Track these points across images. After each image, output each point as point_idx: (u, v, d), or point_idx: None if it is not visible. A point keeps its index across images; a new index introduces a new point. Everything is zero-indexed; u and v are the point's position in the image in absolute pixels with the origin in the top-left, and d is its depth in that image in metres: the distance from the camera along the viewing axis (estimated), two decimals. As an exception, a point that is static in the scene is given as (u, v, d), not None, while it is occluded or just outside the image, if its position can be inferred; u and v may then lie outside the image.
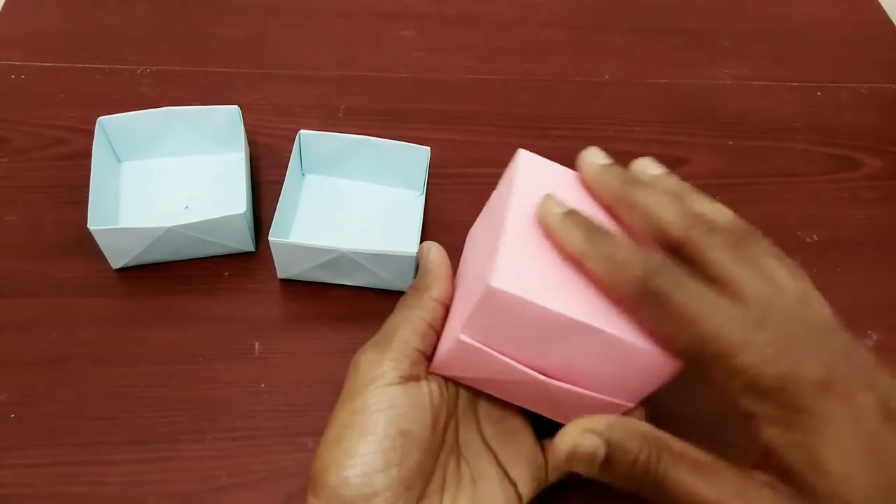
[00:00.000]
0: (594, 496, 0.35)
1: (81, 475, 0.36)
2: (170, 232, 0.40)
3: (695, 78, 0.59)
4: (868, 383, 0.23)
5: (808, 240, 0.49)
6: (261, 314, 0.43)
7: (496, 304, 0.25)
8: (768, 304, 0.24)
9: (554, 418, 0.30)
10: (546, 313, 0.25)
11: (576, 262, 0.26)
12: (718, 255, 0.25)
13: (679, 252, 0.26)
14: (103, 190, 0.44)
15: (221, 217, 0.41)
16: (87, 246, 0.42)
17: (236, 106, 0.46)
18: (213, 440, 0.38)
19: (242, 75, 0.55)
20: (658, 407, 0.32)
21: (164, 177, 0.47)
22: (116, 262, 0.43)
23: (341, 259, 0.40)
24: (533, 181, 0.29)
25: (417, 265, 0.32)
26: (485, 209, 0.33)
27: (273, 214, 0.41)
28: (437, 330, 0.30)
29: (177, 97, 0.52)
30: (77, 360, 0.40)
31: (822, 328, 0.24)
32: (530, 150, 0.31)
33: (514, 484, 0.30)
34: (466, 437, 0.31)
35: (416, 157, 0.46)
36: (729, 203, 0.53)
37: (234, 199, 0.45)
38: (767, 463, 0.23)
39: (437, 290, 0.30)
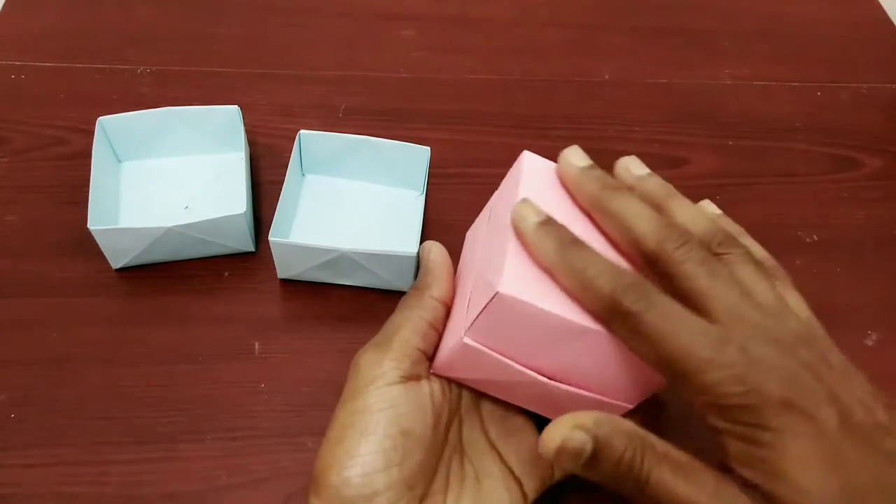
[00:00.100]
0: (597, 495, 0.35)
1: (81, 475, 0.36)
2: (170, 232, 0.40)
3: (695, 78, 0.59)
4: (832, 397, 0.23)
5: (808, 240, 0.49)
6: (261, 314, 0.42)
7: (503, 309, 0.25)
8: (737, 319, 0.24)
9: (552, 419, 0.30)
10: (551, 318, 0.25)
11: (549, 273, 0.26)
12: (690, 269, 0.25)
13: (652, 264, 0.26)
14: (103, 190, 0.44)
15: (221, 217, 0.41)
16: (87, 246, 0.42)
17: (236, 106, 0.46)
18: (213, 440, 0.38)
19: (242, 75, 0.55)
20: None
21: (164, 177, 0.47)
22: (116, 262, 0.43)
23: (341, 259, 0.40)
24: (537, 183, 0.29)
25: (418, 265, 0.32)
26: (485, 209, 0.33)
27: (273, 214, 0.41)
28: (439, 329, 0.30)
29: (177, 97, 0.52)
30: (77, 360, 0.40)
31: (791, 341, 0.24)
32: (530, 150, 0.31)
33: (518, 482, 0.30)
34: (470, 435, 0.31)
35: (416, 157, 0.46)
36: (729, 203, 0.53)
37: (234, 199, 0.45)
38: (734, 474, 0.24)
39: (437, 289, 0.30)
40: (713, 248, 0.27)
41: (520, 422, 0.32)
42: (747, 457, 0.23)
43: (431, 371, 0.30)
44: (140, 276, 0.43)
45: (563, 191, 0.29)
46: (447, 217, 0.47)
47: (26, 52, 0.54)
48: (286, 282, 0.44)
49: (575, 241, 0.26)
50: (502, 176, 0.32)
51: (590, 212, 0.28)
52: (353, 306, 0.43)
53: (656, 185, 0.29)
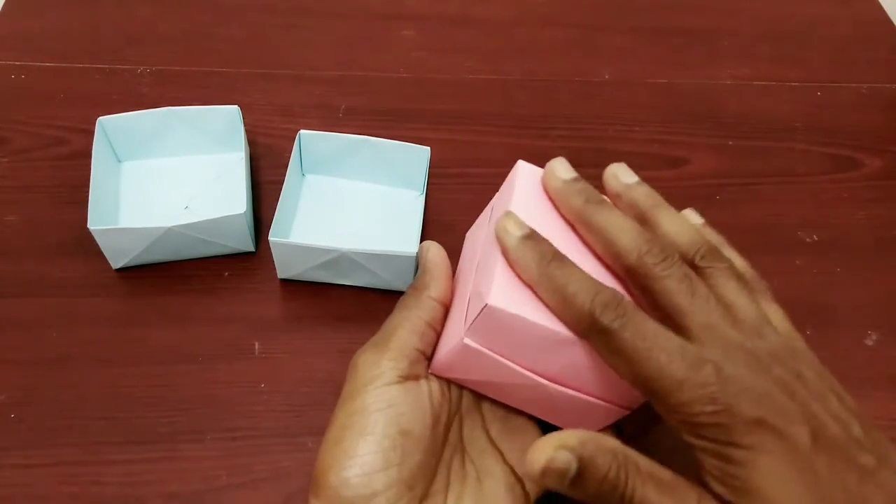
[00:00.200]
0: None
1: (81, 475, 0.36)
2: (170, 232, 0.40)
3: (695, 78, 0.59)
4: (805, 414, 0.23)
5: (808, 240, 0.49)
6: (261, 314, 0.43)
7: (495, 320, 0.26)
8: (714, 336, 0.24)
9: (552, 422, 0.30)
10: (542, 329, 0.25)
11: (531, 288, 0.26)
12: (670, 285, 0.25)
13: (633, 279, 0.26)
14: (103, 190, 0.44)
15: (221, 217, 0.41)
16: (87, 246, 0.42)
17: (236, 106, 0.46)
18: (213, 440, 0.38)
19: (242, 75, 0.55)
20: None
21: (164, 177, 0.47)
22: (116, 262, 0.43)
23: (341, 259, 0.40)
24: (531, 193, 0.29)
25: (418, 265, 0.32)
26: (486, 210, 0.33)
27: (273, 214, 0.41)
28: (437, 329, 0.30)
29: (177, 97, 0.52)
30: (77, 360, 0.40)
31: (767, 358, 0.24)
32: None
33: (520, 482, 0.30)
34: (471, 435, 0.31)
35: (416, 157, 0.46)
36: (729, 203, 0.53)
37: (234, 199, 0.45)
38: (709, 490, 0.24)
39: (436, 289, 0.30)
40: (696, 261, 0.27)
41: (521, 421, 0.32)
42: (721, 473, 0.23)
43: (430, 371, 0.30)
44: (140, 276, 0.43)
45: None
46: (447, 217, 0.47)
47: (26, 52, 0.54)
48: (286, 282, 0.44)
49: (556, 256, 0.26)
50: (502, 176, 0.32)
51: (574, 224, 0.28)
52: (353, 306, 0.43)
53: (643, 193, 0.29)
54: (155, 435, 0.38)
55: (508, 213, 0.27)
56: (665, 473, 0.24)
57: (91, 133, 0.44)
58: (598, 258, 0.28)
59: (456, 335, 0.27)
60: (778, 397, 0.23)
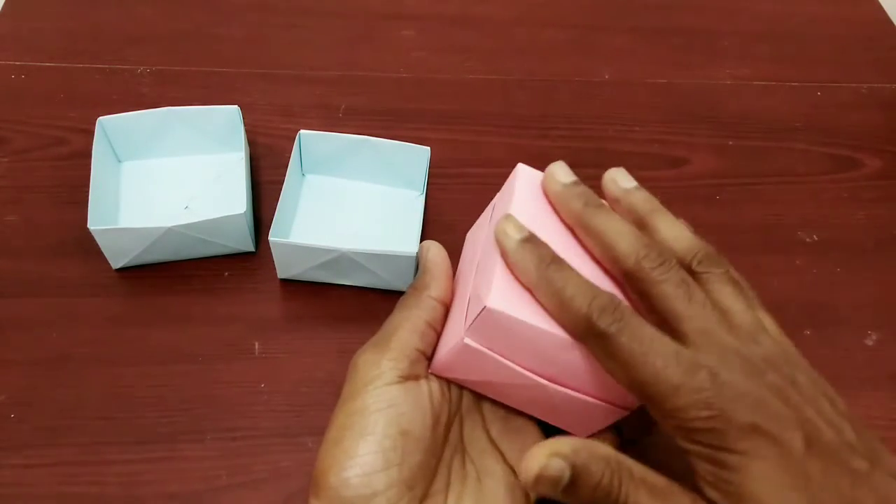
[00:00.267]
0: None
1: (81, 475, 0.36)
2: (170, 232, 0.40)
3: (695, 78, 0.59)
4: (799, 419, 0.23)
5: (808, 240, 0.49)
6: (261, 314, 0.43)
7: (493, 323, 0.26)
8: (710, 341, 0.24)
9: (552, 423, 0.30)
10: (540, 332, 0.26)
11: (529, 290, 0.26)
12: (667, 290, 0.25)
13: (631, 283, 0.26)
14: (103, 190, 0.44)
15: (221, 217, 0.41)
16: (87, 246, 0.42)
17: (236, 106, 0.46)
18: (213, 440, 0.38)
19: (242, 75, 0.55)
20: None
21: (164, 177, 0.47)
22: (116, 262, 0.43)
23: (341, 259, 0.40)
24: (530, 196, 0.29)
25: (418, 265, 0.32)
26: (487, 209, 0.33)
27: (273, 214, 0.41)
28: (437, 329, 0.30)
29: (177, 97, 0.52)
30: (77, 360, 0.40)
31: (762, 364, 0.24)
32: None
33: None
34: (472, 435, 0.31)
35: (416, 157, 0.46)
36: (729, 203, 0.53)
37: (234, 199, 0.45)
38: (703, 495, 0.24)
39: (436, 289, 0.30)
40: (693, 267, 0.27)
41: (522, 421, 0.32)
42: (715, 478, 0.23)
43: (430, 371, 0.30)
44: (140, 276, 0.43)
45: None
46: (447, 217, 0.47)
47: (26, 52, 0.54)
48: (286, 282, 0.44)
49: (555, 260, 0.26)
50: (502, 176, 0.32)
51: (573, 228, 0.29)
52: (353, 306, 0.43)
53: (642, 198, 0.29)
54: (155, 435, 0.38)
55: (508, 216, 0.27)
56: (658, 479, 0.25)
57: (91, 133, 0.44)
58: (597, 262, 0.28)
59: (456, 335, 0.27)
60: (772, 403, 0.23)
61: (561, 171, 0.29)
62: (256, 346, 0.41)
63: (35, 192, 0.46)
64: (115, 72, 0.54)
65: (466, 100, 0.55)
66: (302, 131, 0.45)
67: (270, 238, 0.40)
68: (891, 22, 0.65)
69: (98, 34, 0.56)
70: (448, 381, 0.30)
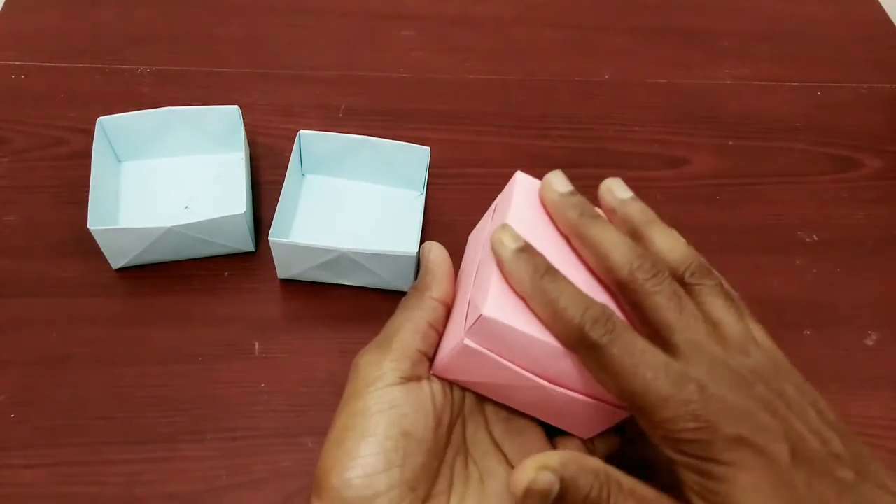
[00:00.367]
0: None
1: (81, 475, 0.36)
2: (170, 232, 0.40)
3: (695, 78, 0.59)
4: (786, 431, 0.24)
5: (808, 240, 0.49)
6: (261, 314, 0.43)
7: (490, 330, 0.26)
8: (699, 353, 0.25)
9: (555, 424, 0.30)
10: (535, 341, 0.26)
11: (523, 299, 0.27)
12: (659, 301, 0.26)
13: (624, 293, 0.27)
14: (103, 190, 0.44)
15: (221, 217, 0.41)
16: (87, 246, 0.42)
17: (236, 106, 0.46)
18: (213, 440, 0.38)
19: (242, 75, 0.55)
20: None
21: (164, 177, 0.47)
22: (116, 262, 0.43)
23: (341, 259, 0.40)
24: (528, 206, 0.29)
25: (419, 265, 0.32)
26: (489, 211, 0.33)
27: (273, 214, 0.41)
28: (439, 330, 0.30)
29: (177, 97, 0.52)
30: (77, 360, 0.40)
31: (750, 376, 0.25)
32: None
33: None
34: (474, 435, 0.31)
35: (416, 157, 0.46)
36: (729, 203, 0.53)
37: (234, 199, 0.45)
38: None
39: (437, 290, 0.30)
40: (686, 278, 0.27)
41: (525, 421, 0.32)
42: (701, 489, 0.24)
43: (431, 372, 0.30)
44: (140, 276, 0.43)
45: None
46: (447, 217, 0.47)
47: (26, 52, 0.54)
48: (286, 282, 0.44)
49: (549, 270, 0.26)
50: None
51: (569, 237, 0.29)
52: (353, 306, 0.43)
53: (637, 209, 0.30)
54: (155, 435, 0.38)
55: (504, 226, 0.28)
56: (647, 491, 0.25)
57: (91, 133, 0.44)
58: (592, 271, 0.28)
59: (457, 336, 0.27)
60: (759, 415, 0.24)
61: (557, 181, 0.29)
62: (256, 346, 0.41)
63: (35, 192, 0.46)
64: (115, 72, 0.54)
65: (466, 100, 0.55)
66: (302, 131, 0.45)
67: (270, 238, 0.40)
68: (891, 22, 0.65)
69: (98, 34, 0.56)
70: (450, 383, 0.30)
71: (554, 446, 0.31)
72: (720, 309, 0.27)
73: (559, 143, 0.53)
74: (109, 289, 0.43)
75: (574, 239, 0.29)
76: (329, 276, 0.43)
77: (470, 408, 0.31)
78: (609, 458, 0.32)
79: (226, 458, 0.37)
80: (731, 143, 0.55)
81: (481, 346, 0.27)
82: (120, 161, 0.47)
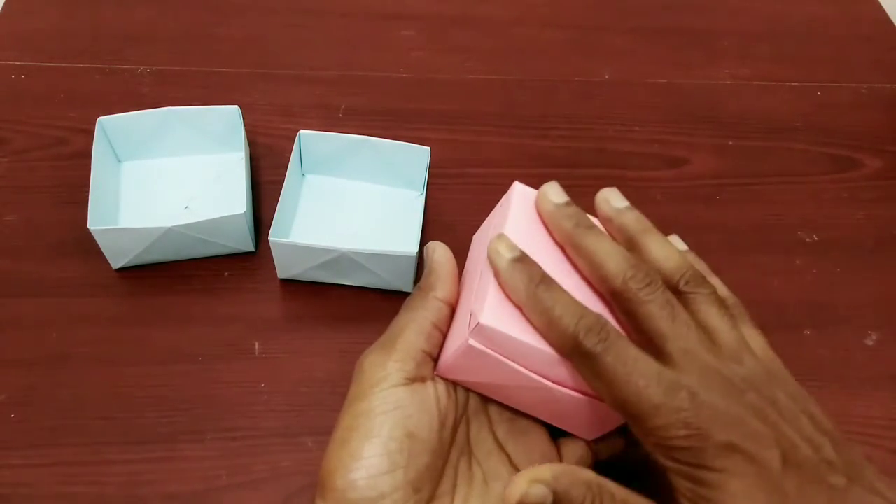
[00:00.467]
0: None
1: (81, 475, 0.36)
2: (170, 232, 0.40)
3: (695, 78, 0.59)
4: (777, 438, 0.24)
5: (808, 240, 0.49)
6: (261, 314, 0.43)
7: (487, 338, 0.26)
8: (691, 362, 0.25)
9: (558, 425, 0.30)
10: (532, 349, 0.26)
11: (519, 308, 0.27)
12: (652, 310, 0.26)
13: (618, 302, 0.27)
14: (103, 190, 0.44)
15: (221, 217, 0.41)
16: (87, 246, 0.42)
17: (236, 106, 0.46)
18: (213, 440, 0.38)
19: (242, 75, 0.55)
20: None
21: (164, 177, 0.47)
22: (116, 262, 0.43)
23: (341, 259, 0.40)
24: (525, 216, 0.30)
25: (419, 265, 0.32)
26: (492, 213, 0.33)
27: (273, 214, 0.41)
28: (443, 330, 0.30)
29: (177, 97, 0.52)
30: (77, 360, 0.40)
31: (742, 384, 0.25)
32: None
33: None
34: (478, 436, 0.31)
35: (416, 157, 0.46)
36: (729, 203, 0.53)
37: (234, 199, 0.45)
38: None
39: (441, 290, 0.30)
40: (680, 287, 0.28)
41: (528, 423, 0.32)
42: (693, 495, 0.24)
43: (435, 373, 0.30)
44: (140, 276, 0.43)
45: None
46: (447, 217, 0.47)
47: (26, 52, 0.54)
48: (286, 282, 0.44)
49: (544, 280, 0.27)
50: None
51: (564, 247, 0.29)
52: (353, 306, 0.43)
53: (633, 219, 0.30)
54: (155, 435, 0.38)
55: (501, 236, 0.28)
56: (640, 501, 0.25)
57: (91, 133, 0.44)
58: (587, 281, 0.29)
59: (461, 336, 0.27)
60: (750, 422, 0.24)
61: (553, 191, 0.30)
62: (256, 346, 0.41)
63: (35, 192, 0.46)
64: (115, 72, 0.54)
65: (466, 100, 0.55)
66: (302, 131, 0.45)
67: (270, 238, 0.40)
68: (891, 22, 0.65)
69: (98, 34, 0.56)
70: (454, 384, 0.30)
71: (558, 448, 0.32)
72: (714, 317, 0.27)
73: (559, 143, 0.53)
74: (109, 289, 0.43)
75: (569, 249, 0.29)
76: (329, 276, 0.43)
77: (474, 408, 0.31)
78: (613, 460, 0.32)
79: (226, 458, 0.37)
80: (731, 143, 0.55)
81: (485, 346, 0.27)
82: (120, 161, 0.47)
